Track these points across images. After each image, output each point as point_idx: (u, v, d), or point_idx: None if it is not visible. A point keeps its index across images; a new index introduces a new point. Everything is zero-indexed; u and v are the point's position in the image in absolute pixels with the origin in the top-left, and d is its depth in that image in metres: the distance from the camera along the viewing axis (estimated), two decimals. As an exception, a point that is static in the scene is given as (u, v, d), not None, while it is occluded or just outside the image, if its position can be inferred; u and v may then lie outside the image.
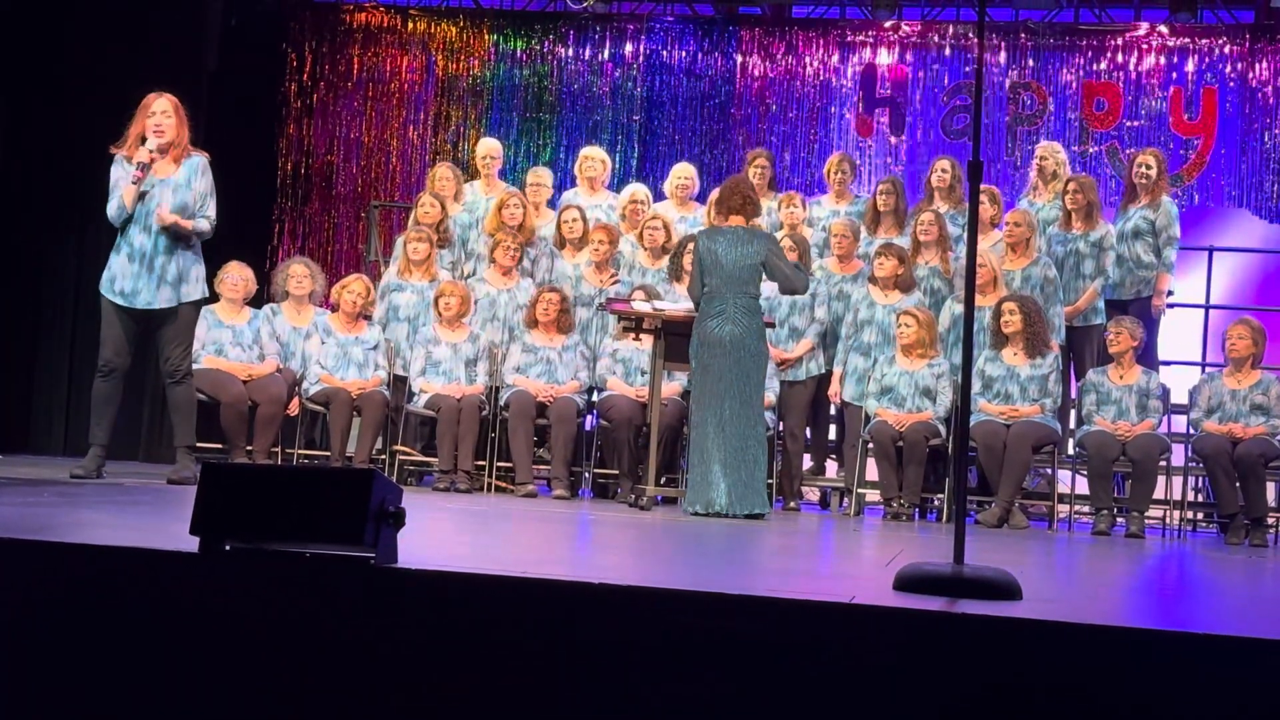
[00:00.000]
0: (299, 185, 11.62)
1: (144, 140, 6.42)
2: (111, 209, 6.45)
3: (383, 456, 8.29)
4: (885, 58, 11.26)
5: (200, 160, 6.49)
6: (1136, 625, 2.83)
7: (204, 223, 6.48)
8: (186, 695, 2.90)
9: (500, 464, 8.25)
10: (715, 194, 7.34)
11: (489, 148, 9.52)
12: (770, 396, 7.99)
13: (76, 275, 9.91)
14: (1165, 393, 7.95)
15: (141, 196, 6.39)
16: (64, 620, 2.97)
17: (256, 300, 8.44)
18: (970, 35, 11.11)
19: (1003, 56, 11.09)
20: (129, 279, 6.39)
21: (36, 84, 9.73)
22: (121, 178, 6.41)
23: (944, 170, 8.81)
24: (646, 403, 7.73)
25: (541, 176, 9.39)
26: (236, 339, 7.99)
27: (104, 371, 6.41)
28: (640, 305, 7.49)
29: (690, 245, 8.20)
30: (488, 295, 8.57)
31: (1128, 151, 10.49)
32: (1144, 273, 8.41)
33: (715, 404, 6.80)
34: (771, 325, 7.92)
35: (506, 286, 8.57)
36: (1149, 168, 8.49)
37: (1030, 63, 11.08)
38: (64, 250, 10.00)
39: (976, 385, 7.80)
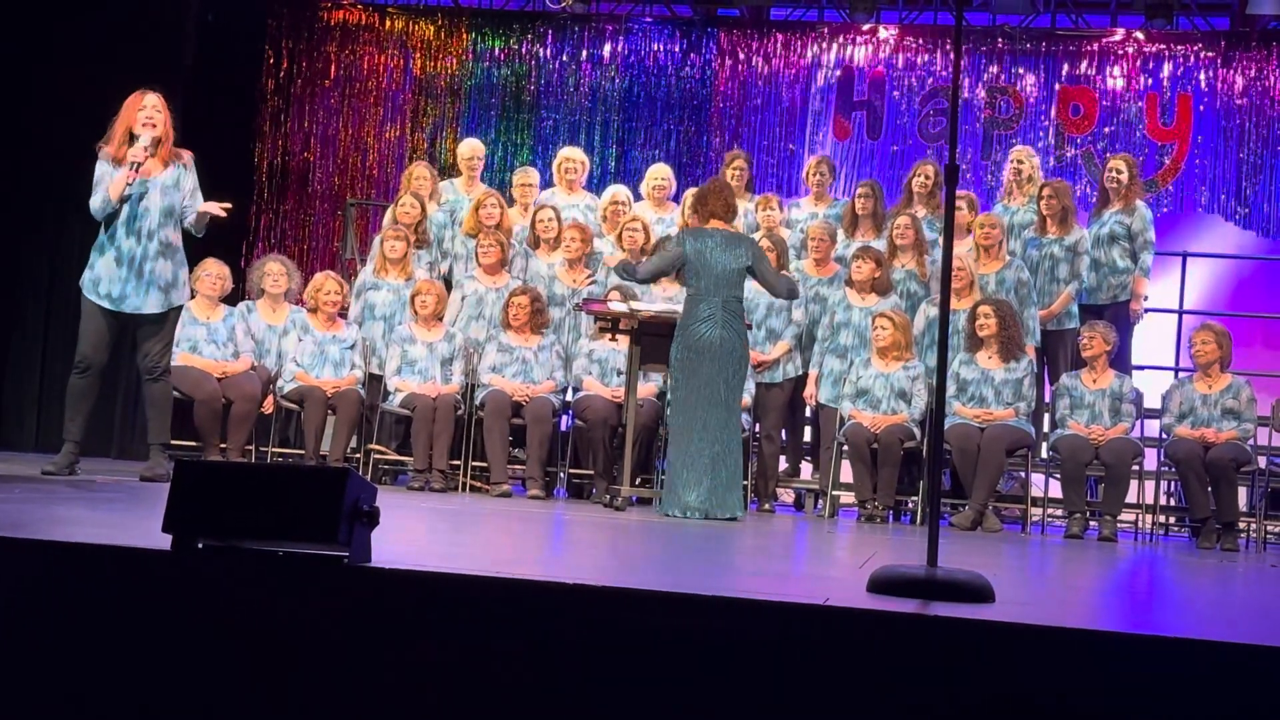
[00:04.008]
0: (275, 183, 11.59)
1: (132, 137, 6.37)
2: (95, 203, 6.39)
3: (357, 455, 8.27)
4: (863, 61, 11.29)
5: (188, 157, 6.48)
6: (1108, 629, 2.85)
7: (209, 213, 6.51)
8: (158, 693, 2.88)
9: (475, 463, 8.24)
10: (693, 195, 7.38)
11: (473, 148, 9.51)
12: (746, 398, 8.01)
13: (50, 271, 9.85)
14: (1138, 397, 7.99)
15: (125, 200, 6.35)
16: (34, 617, 2.95)
17: (232, 298, 8.40)
18: (947, 39, 11.15)
19: (980, 61, 11.13)
20: (116, 283, 6.34)
21: (10, 79, 9.67)
22: (106, 174, 6.37)
23: (926, 176, 8.82)
24: (622, 403, 7.74)
25: (530, 176, 9.40)
26: (211, 336, 7.95)
27: (80, 368, 6.37)
28: (616, 306, 7.50)
29: (668, 243, 8.21)
30: (475, 293, 8.56)
31: (1106, 156, 10.57)
32: (1120, 278, 8.46)
33: (701, 408, 6.81)
34: (749, 327, 7.94)
35: (495, 285, 8.56)
36: (1120, 172, 8.55)
37: (1007, 68, 11.12)
38: (38, 246, 9.94)
39: (951, 388, 7.83)
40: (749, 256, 7.00)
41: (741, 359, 6.96)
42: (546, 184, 9.62)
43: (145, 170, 6.36)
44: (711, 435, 6.79)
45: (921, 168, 8.95)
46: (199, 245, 6.86)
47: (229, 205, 6.60)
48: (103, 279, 6.36)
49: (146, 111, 6.37)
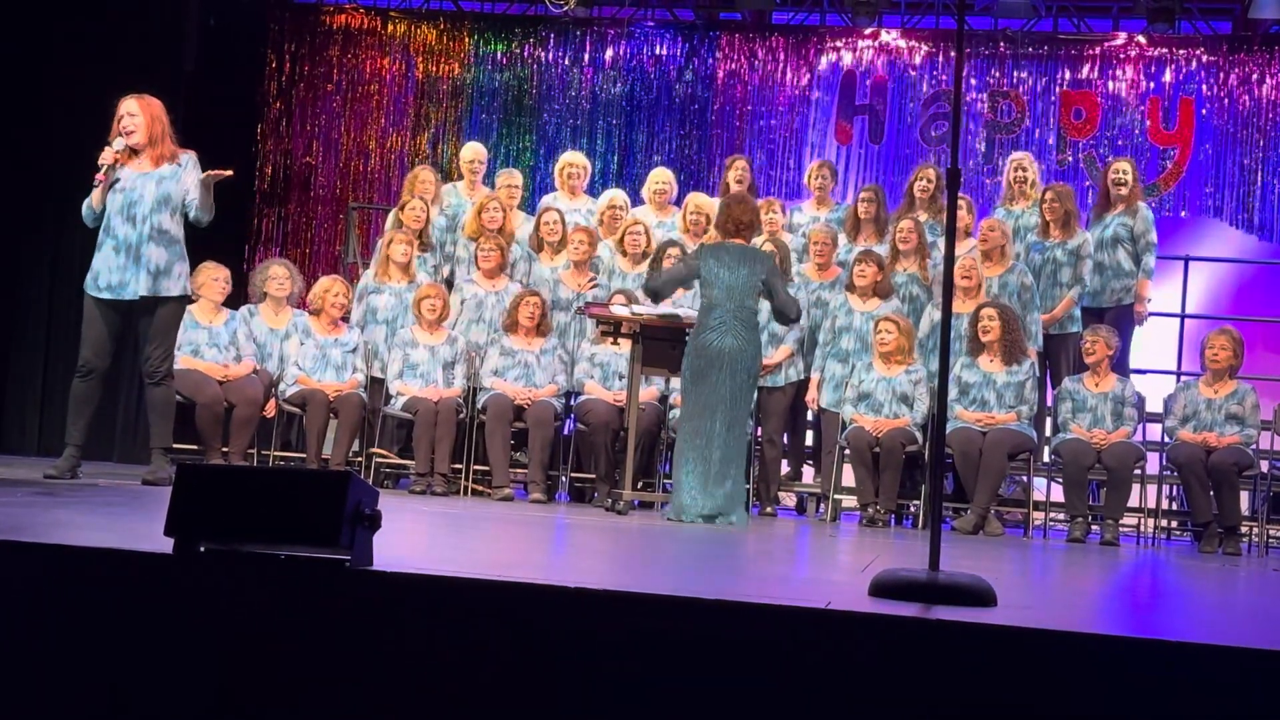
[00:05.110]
0: (277, 186, 11.59)
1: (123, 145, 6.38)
2: (84, 210, 6.42)
3: (359, 459, 8.27)
4: (865, 65, 11.29)
5: (187, 157, 6.46)
6: (1110, 633, 2.85)
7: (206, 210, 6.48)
8: (160, 696, 2.88)
9: (477, 467, 8.24)
10: (718, 211, 7.38)
11: (476, 152, 9.50)
12: (748, 403, 8.01)
13: (51, 275, 9.86)
14: (1140, 401, 7.99)
15: (113, 184, 6.35)
16: (37, 621, 2.95)
17: (234, 301, 8.40)
18: (949, 43, 11.15)
19: (982, 65, 11.13)
20: (114, 271, 6.33)
21: (12, 84, 9.68)
22: (120, 179, 6.38)
23: (928, 180, 8.81)
24: (624, 407, 7.74)
25: (515, 178, 9.39)
26: (213, 340, 7.95)
27: (82, 372, 6.36)
28: (619, 309, 7.50)
29: (670, 250, 8.20)
30: (475, 296, 8.56)
31: (1108, 160, 10.58)
32: (1123, 280, 8.47)
33: (707, 415, 6.80)
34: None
35: (494, 289, 8.57)
36: (1124, 174, 8.57)
37: (1009, 71, 11.13)
38: (39, 250, 9.95)
39: (953, 392, 7.82)
40: (764, 273, 6.98)
41: (751, 368, 6.94)
42: (547, 187, 9.62)
43: (136, 167, 6.37)
44: (719, 442, 6.79)
45: (922, 172, 8.94)
46: (199, 249, 6.85)
47: (229, 171, 6.55)
48: (101, 271, 6.35)
49: (123, 121, 6.37)
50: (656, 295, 7.18)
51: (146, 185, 6.35)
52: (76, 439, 6.37)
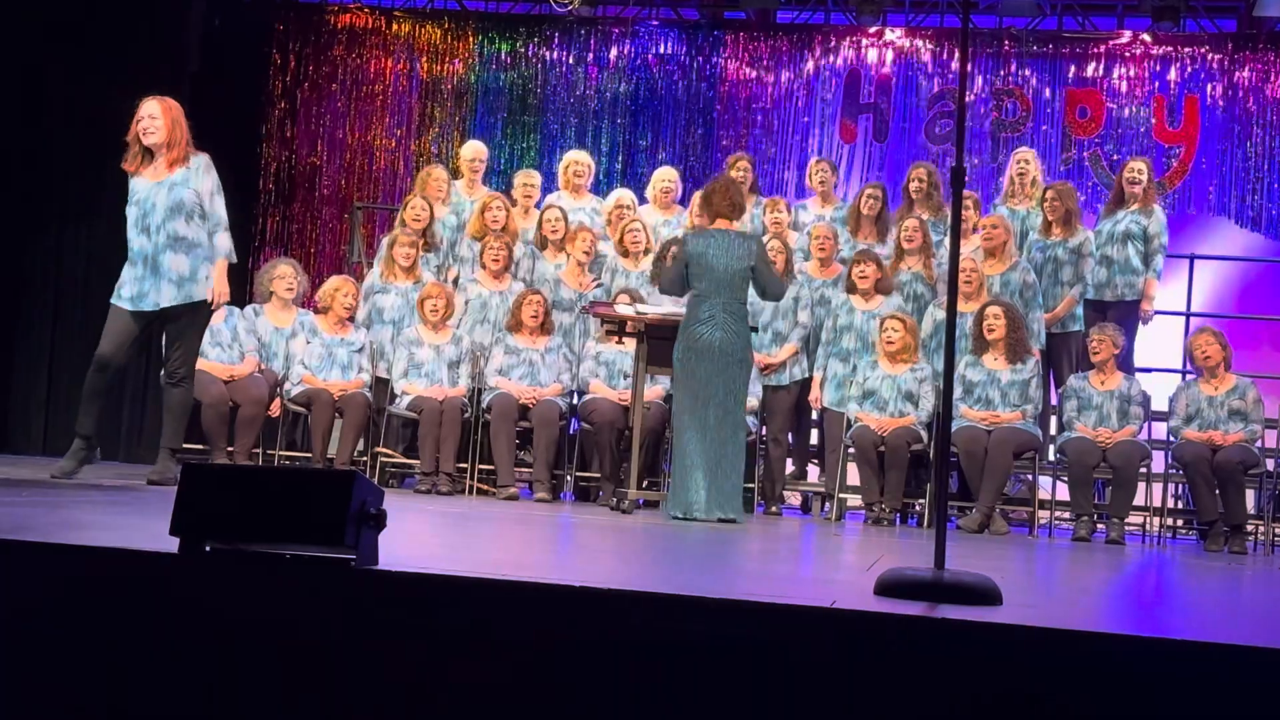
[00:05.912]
0: (282, 186, 11.60)
1: (140, 147, 6.37)
2: None
3: (364, 458, 8.27)
4: (869, 64, 11.29)
5: (200, 160, 6.44)
6: (1116, 631, 2.84)
7: (224, 238, 6.44)
8: (165, 696, 2.89)
9: (482, 466, 8.24)
10: (699, 194, 7.38)
11: (476, 150, 9.51)
12: (753, 401, 7.99)
13: (56, 274, 9.87)
14: (1146, 399, 7.98)
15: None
16: (42, 620, 2.96)
17: (238, 301, 8.39)
18: (954, 42, 11.14)
19: (986, 63, 11.12)
20: (134, 282, 6.33)
21: (16, 84, 9.69)
22: (136, 190, 6.37)
23: (920, 179, 8.83)
24: (629, 406, 7.73)
25: (532, 178, 9.41)
26: (215, 339, 7.95)
27: (98, 365, 6.34)
28: (623, 308, 7.50)
29: (673, 249, 8.20)
30: (479, 297, 8.56)
31: (1113, 158, 10.58)
32: (1128, 277, 8.45)
33: (700, 410, 6.79)
34: (754, 329, 7.92)
35: (498, 289, 8.57)
36: (1141, 173, 8.57)
37: (1013, 70, 11.12)
38: (44, 249, 9.96)
39: (957, 390, 7.82)
40: (752, 257, 6.96)
41: (742, 361, 6.90)
42: (552, 187, 9.63)
43: (151, 174, 6.38)
44: (711, 436, 6.77)
45: (915, 172, 8.95)
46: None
47: (220, 301, 6.52)
48: (124, 282, 6.37)
49: (144, 122, 6.37)
50: (667, 293, 7.17)
51: (158, 194, 6.34)
52: (84, 429, 6.36)
